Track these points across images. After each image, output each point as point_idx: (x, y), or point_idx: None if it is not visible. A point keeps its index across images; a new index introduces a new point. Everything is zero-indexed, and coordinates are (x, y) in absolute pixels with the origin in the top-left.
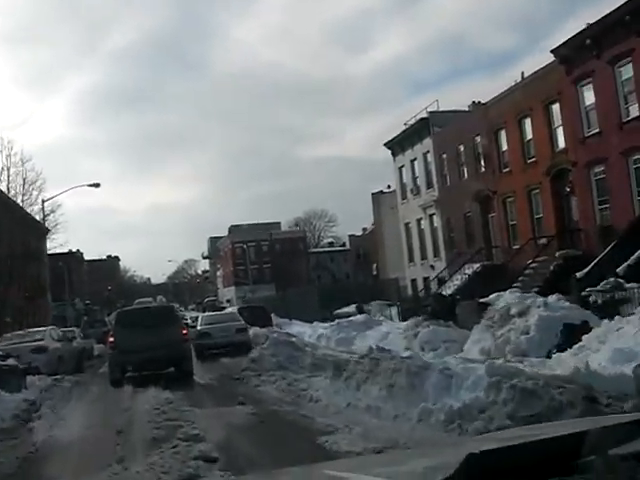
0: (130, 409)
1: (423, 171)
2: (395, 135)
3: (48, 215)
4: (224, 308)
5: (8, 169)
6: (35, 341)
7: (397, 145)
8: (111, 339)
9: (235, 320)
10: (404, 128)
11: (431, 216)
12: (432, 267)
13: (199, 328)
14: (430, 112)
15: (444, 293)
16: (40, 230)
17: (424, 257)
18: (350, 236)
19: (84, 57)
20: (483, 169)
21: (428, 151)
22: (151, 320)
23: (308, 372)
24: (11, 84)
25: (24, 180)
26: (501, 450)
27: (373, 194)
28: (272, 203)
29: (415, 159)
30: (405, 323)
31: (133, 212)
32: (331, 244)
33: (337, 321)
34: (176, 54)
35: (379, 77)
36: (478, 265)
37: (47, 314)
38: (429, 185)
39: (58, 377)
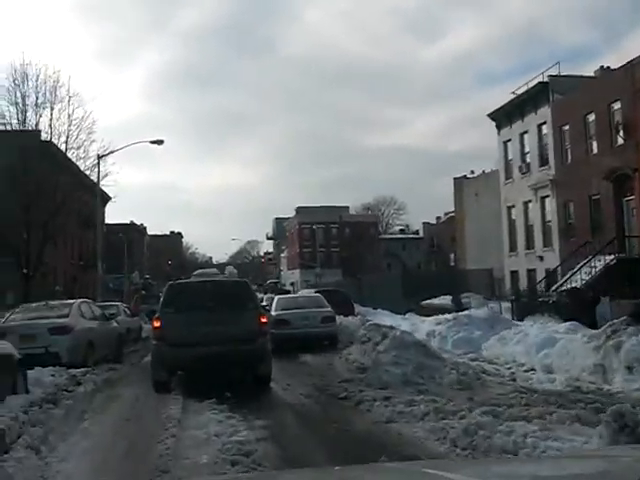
0: (174, 457)
1: (536, 146)
2: (502, 104)
3: (105, 176)
4: (288, 291)
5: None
6: (57, 317)
7: (504, 116)
8: (156, 324)
9: (320, 306)
10: (513, 97)
11: (543, 198)
12: (540, 258)
13: (274, 313)
14: (550, 76)
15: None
16: (103, 197)
17: (530, 246)
18: (424, 224)
19: (154, 35)
20: (621, 141)
21: (544, 122)
22: (216, 299)
23: (466, 401)
24: (84, 59)
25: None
26: None
27: (455, 179)
28: (338, 188)
29: (526, 132)
30: (594, 331)
31: (198, 191)
32: (402, 231)
33: (453, 315)
34: (245, 34)
35: (448, 67)
36: (611, 258)
37: (102, 286)
38: (543, 162)
39: (82, 370)
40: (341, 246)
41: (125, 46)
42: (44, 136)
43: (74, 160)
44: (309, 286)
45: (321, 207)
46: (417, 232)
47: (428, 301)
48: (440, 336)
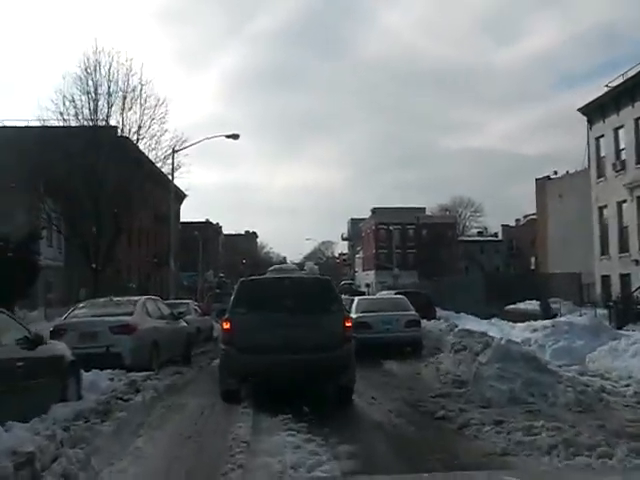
0: None
1: (633, 141)
2: (595, 97)
3: (179, 168)
4: (362, 292)
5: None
6: (121, 315)
7: (597, 110)
8: (225, 326)
9: (404, 309)
10: (607, 89)
11: None
12: (636, 262)
13: (354, 316)
14: None
15: None
16: (177, 194)
17: (624, 249)
18: (503, 226)
19: (230, 38)
20: None
21: None
22: (295, 299)
23: (597, 430)
24: (160, 62)
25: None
26: None
27: (538, 180)
28: (415, 191)
29: (621, 126)
30: None
31: (273, 191)
32: (480, 234)
33: (551, 322)
34: (322, 37)
35: (527, 69)
36: None
37: (175, 283)
38: None
39: (143, 374)
40: (418, 247)
41: (201, 49)
42: (114, 123)
43: (146, 152)
44: (385, 287)
45: (397, 208)
46: (496, 235)
47: (513, 306)
48: (537, 345)
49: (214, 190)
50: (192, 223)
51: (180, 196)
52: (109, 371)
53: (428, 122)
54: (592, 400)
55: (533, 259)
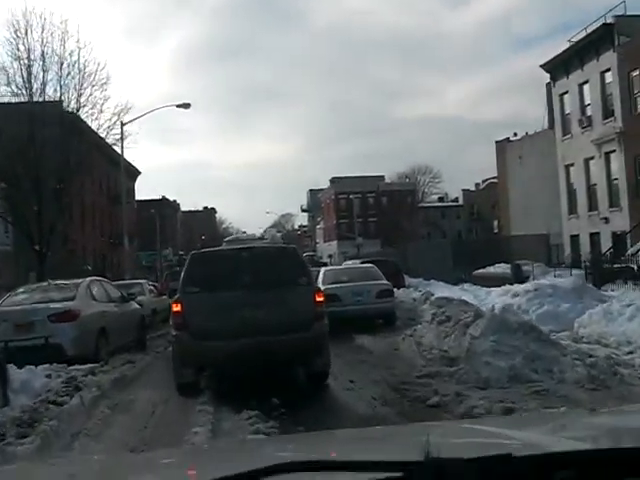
0: None
1: (599, 96)
2: (557, 53)
3: (126, 137)
4: (325, 264)
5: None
6: (61, 301)
7: (560, 66)
8: (176, 308)
9: (375, 278)
10: (571, 44)
11: (608, 154)
12: (605, 220)
13: (321, 288)
14: (616, 16)
15: None
16: (130, 171)
17: (593, 208)
18: (464, 191)
19: (179, 10)
20: None
21: (608, 69)
22: (257, 273)
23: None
24: (109, 36)
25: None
26: None
27: (498, 142)
28: (372, 159)
29: (586, 82)
30: None
31: (229, 167)
32: (441, 199)
33: (533, 285)
34: (271, 6)
35: (481, 33)
36: None
37: (133, 263)
38: (607, 114)
39: (87, 367)
40: (379, 216)
41: (149, 22)
42: (51, 92)
43: (88, 121)
44: (347, 258)
45: (356, 177)
46: (456, 200)
47: (482, 270)
48: (521, 310)
49: (171, 169)
50: (148, 201)
51: (134, 173)
52: (47, 366)
53: (383, 90)
54: (606, 375)
55: (495, 222)
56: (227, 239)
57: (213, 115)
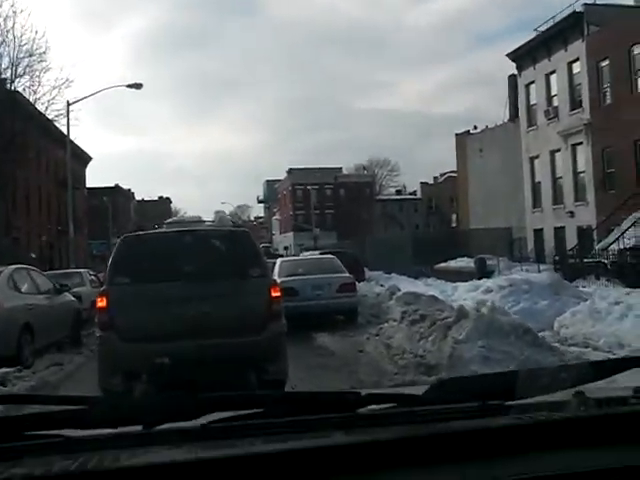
0: None
1: (566, 87)
2: (524, 42)
3: (67, 114)
4: (280, 256)
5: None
6: None
7: (526, 55)
8: (101, 303)
9: (336, 270)
10: (538, 33)
11: (575, 146)
12: (571, 214)
13: (278, 281)
14: (586, 4)
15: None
16: (81, 157)
17: (558, 201)
18: (422, 184)
19: None
20: None
21: (576, 59)
22: (199, 262)
23: None
24: (65, 23)
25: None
26: None
27: (458, 135)
28: (331, 152)
29: (553, 72)
30: None
31: (187, 156)
32: (399, 192)
33: (507, 280)
34: None
35: (439, 28)
36: None
37: (83, 252)
38: (575, 105)
39: (4, 372)
40: (336, 207)
41: (106, 10)
42: None
43: (26, 94)
44: (303, 249)
45: (314, 168)
46: (414, 193)
47: (443, 264)
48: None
49: (126, 157)
50: (101, 189)
51: (85, 159)
52: None
53: (343, 83)
54: None
55: (454, 216)
56: (167, 221)
57: (171, 104)
